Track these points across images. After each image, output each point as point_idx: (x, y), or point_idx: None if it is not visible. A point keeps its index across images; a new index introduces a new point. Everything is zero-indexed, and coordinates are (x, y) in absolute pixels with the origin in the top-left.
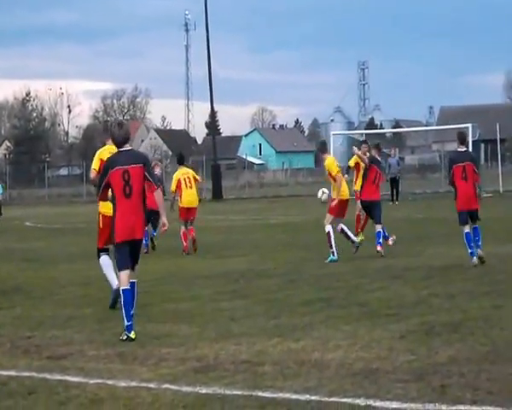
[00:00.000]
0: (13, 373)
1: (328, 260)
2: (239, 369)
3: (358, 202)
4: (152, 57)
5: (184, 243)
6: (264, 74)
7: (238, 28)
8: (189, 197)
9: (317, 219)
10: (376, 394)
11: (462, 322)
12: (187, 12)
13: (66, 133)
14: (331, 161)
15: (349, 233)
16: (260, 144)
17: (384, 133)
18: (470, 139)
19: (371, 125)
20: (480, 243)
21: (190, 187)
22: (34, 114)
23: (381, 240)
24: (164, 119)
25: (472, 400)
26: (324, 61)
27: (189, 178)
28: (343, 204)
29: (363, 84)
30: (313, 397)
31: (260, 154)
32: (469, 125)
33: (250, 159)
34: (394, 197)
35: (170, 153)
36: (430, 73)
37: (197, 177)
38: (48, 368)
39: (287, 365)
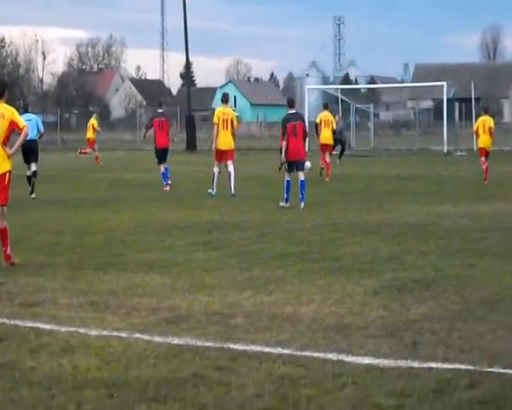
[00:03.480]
0: None
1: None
2: (211, 320)
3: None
4: (127, 6)
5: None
6: (240, 27)
7: None
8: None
9: None
10: (348, 349)
11: (434, 280)
12: None
13: (41, 80)
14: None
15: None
16: (235, 97)
17: (359, 89)
18: (445, 97)
19: (346, 80)
20: (304, 197)
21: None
22: (9, 60)
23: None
24: (139, 68)
25: (443, 357)
26: (300, 16)
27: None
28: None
29: (339, 40)
30: (285, 351)
31: (235, 106)
32: (444, 83)
33: None
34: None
35: (144, 103)
36: (406, 31)
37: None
38: (19, 315)
39: (259, 318)
